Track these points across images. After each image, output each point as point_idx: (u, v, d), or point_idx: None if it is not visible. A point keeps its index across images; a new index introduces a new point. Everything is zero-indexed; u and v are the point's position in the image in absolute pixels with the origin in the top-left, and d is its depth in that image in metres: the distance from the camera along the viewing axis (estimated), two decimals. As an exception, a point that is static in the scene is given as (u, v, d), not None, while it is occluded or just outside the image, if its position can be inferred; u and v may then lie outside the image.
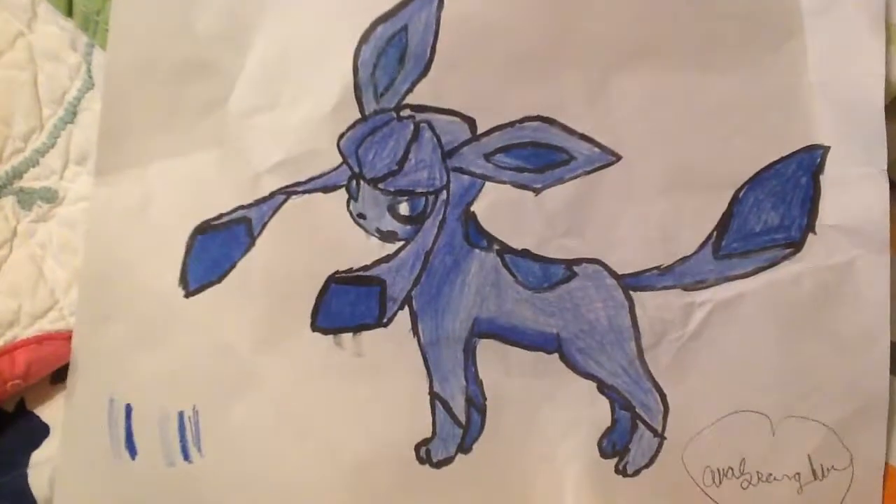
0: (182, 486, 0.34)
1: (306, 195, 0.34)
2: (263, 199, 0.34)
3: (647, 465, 0.34)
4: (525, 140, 0.34)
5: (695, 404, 0.34)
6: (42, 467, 0.35)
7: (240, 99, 0.34)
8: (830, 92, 0.34)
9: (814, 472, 0.34)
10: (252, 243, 0.34)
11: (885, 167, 0.33)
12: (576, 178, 0.34)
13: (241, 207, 0.34)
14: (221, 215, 0.34)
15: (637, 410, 0.34)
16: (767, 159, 0.34)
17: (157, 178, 0.35)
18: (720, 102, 0.34)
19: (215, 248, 0.34)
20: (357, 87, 0.33)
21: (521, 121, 0.34)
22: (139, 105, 0.35)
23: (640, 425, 0.34)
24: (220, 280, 0.34)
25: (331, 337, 0.34)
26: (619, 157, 0.34)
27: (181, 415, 0.34)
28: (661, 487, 0.34)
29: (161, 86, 0.35)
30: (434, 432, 0.34)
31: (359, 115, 0.34)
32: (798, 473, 0.34)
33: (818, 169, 0.34)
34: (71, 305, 0.35)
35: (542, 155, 0.34)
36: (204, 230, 0.34)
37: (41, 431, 0.36)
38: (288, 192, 0.34)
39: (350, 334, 0.34)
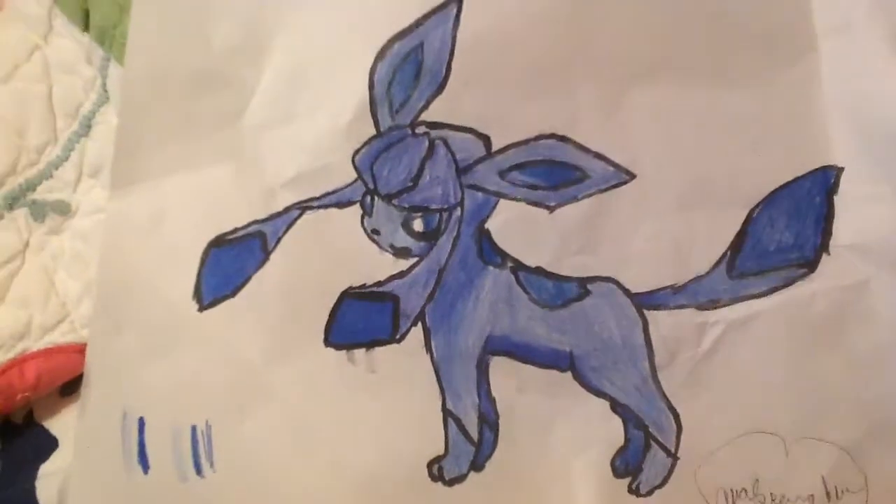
0: (194, 501, 0.34)
1: (321, 210, 0.34)
2: (278, 214, 0.34)
3: (660, 486, 0.34)
4: (539, 158, 0.34)
5: (708, 424, 0.34)
6: (50, 479, 0.35)
7: (255, 113, 0.35)
8: (845, 110, 0.34)
9: (828, 493, 0.34)
10: (266, 258, 0.34)
11: (901, 187, 0.33)
12: (590, 195, 0.34)
13: (256, 222, 0.34)
14: (236, 229, 0.34)
15: (650, 430, 0.34)
16: (782, 178, 0.34)
17: (172, 191, 0.35)
18: (734, 120, 0.34)
19: (230, 262, 0.34)
20: (373, 103, 0.34)
21: (536, 138, 0.34)
22: (155, 118, 0.35)
23: (654, 445, 0.34)
24: (234, 294, 0.34)
25: (343, 352, 0.34)
26: (633, 176, 0.34)
27: (194, 429, 0.34)
28: (674, 507, 0.34)
29: (177, 99, 0.35)
30: (447, 449, 0.34)
31: (374, 131, 0.34)
32: (812, 495, 0.34)
33: (832, 188, 0.34)
34: (82, 318, 0.35)
35: (556, 173, 0.34)
36: (218, 244, 0.34)
37: (50, 444, 0.36)
38: (303, 206, 0.34)
39: (363, 350, 0.34)
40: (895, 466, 0.33)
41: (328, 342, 0.34)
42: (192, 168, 0.35)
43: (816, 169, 0.34)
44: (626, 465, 0.34)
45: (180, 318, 0.34)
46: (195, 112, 0.35)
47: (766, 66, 0.34)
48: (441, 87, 0.33)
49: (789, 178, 0.34)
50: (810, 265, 0.34)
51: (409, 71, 0.33)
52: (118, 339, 0.35)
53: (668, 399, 0.34)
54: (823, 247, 0.34)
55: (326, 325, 0.34)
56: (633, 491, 0.34)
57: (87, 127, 0.37)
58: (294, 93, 0.34)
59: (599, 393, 0.34)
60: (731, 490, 0.34)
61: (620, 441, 0.34)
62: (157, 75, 0.35)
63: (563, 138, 0.34)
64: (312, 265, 0.34)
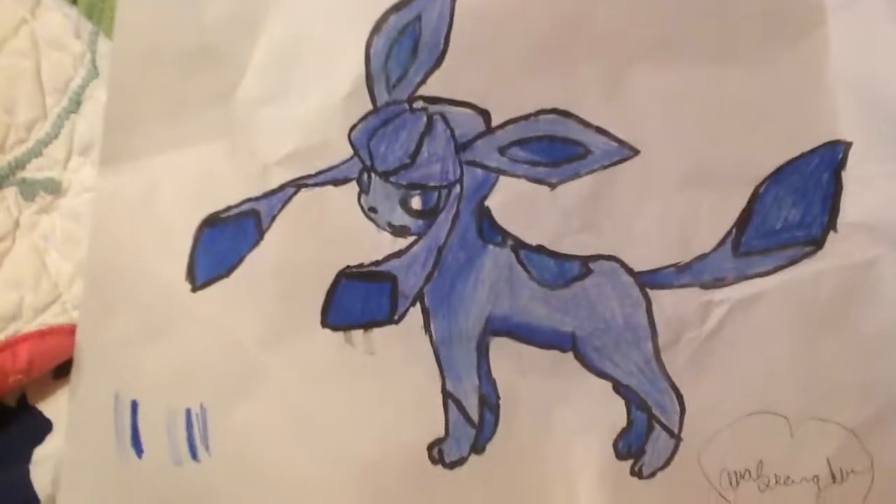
0: (190, 486, 0.34)
1: (316, 188, 0.33)
2: (273, 192, 0.34)
3: (662, 467, 0.34)
4: (540, 133, 0.33)
5: (712, 405, 0.34)
6: (45, 464, 0.35)
7: (249, 89, 0.34)
8: (853, 86, 0.33)
9: (833, 475, 0.33)
10: (261, 237, 0.34)
11: (910, 164, 0.33)
12: (592, 172, 0.33)
13: (250, 200, 0.34)
14: (230, 208, 0.34)
15: (653, 411, 0.34)
16: (788, 155, 0.33)
17: (163, 169, 0.34)
18: (741, 96, 0.33)
19: (223, 242, 0.34)
20: (369, 78, 0.33)
21: (537, 114, 0.33)
22: (146, 94, 0.34)
23: (657, 426, 0.34)
24: (228, 274, 0.34)
25: (341, 334, 0.34)
26: (636, 152, 0.33)
27: (188, 412, 0.34)
28: (676, 490, 0.34)
29: (168, 75, 0.34)
30: (447, 432, 0.34)
31: (370, 107, 0.33)
32: (816, 476, 0.33)
33: (840, 165, 0.33)
34: (74, 299, 0.35)
35: (557, 149, 0.33)
36: (212, 223, 0.34)
37: (44, 427, 0.35)
38: (298, 184, 0.33)
39: (360, 331, 0.34)
40: (902, 446, 0.33)
41: (325, 323, 0.34)
42: (184, 145, 0.34)
43: (824, 144, 0.33)
44: (629, 447, 0.34)
45: (173, 300, 0.34)
46: (187, 87, 0.34)
47: (773, 42, 0.33)
48: (439, 62, 0.33)
49: (796, 154, 0.33)
50: (817, 243, 0.33)
51: (407, 44, 0.33)
52: (109, 322, 0.34)
53: (671, 380, 0.34)
54: (831, 225, 0.33)
55: (323, 305, 0.34)
56: (636, 473, 0.34)
57: (76, 103, 0.36)
58: (288, 68, 0.34)
59: (602, 374, 0.34)
60: (735, 472, 0.34)
61: (623, 423, 0.34)
62: (147, 50, 0.34)
63: (564, 113, 0.33)
64: (308, 244, 0.34)
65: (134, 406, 0.34)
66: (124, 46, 0.34)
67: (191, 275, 0.34)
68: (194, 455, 0.34)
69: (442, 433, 0.34)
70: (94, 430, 0.34)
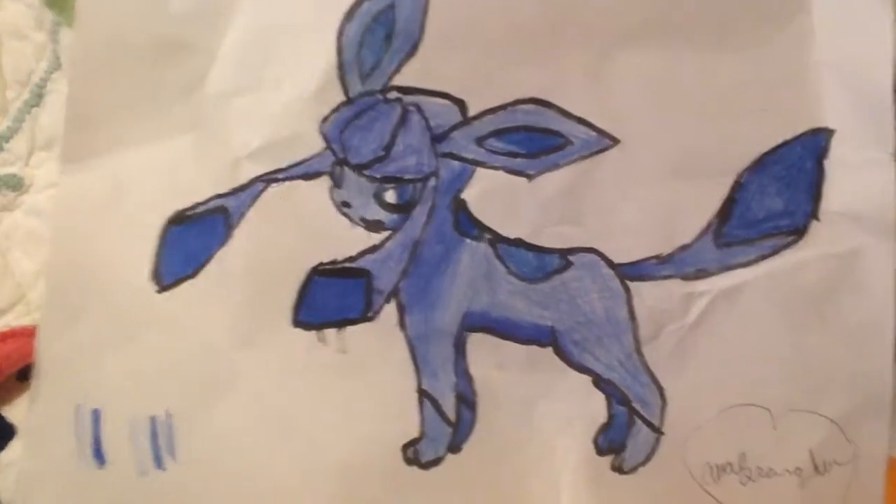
0: (155, 496, 0.33)
1: (288, 182, 0.33)
2: (242, 188, 0.33)
3: (644, 462, 0.33)
4: (518, 124, 0.32)
5: (694, 398, 0.33)
6: (9, 469, 0.34)
7: (217, 81, 0.33)
8: (837, 72, 0.33)
9: (816, 466, 0.33)
10: (230, 234, 0.33)
11: (893, 151, 0.32)
12: (572, 163, 0.33)
13: (218, 196, 0.33)
14: (197, 205, 0.33)
15: (634, 405, 0.33)
16: (772, 143, 0.33)
17: (128, 165, 0.33)
18: (723, 84, 0.33)
19: (191, 240, 0.33)
20: (341, 68, 0.32)
21: (515, 103, 0.32)
22: (109, 87, 0.33)
23: (638, 421, 0.33)
24: (195, 274, 0.33)
25: (314, 333, 0.33)
26: (616, 141, 0.33)
27: (153, 420, 0.33)
28: (658, 484, 0.33)
29: (132, 67, 0.33)
30: (422, 431, 0.33)
31: (343, 98, 0.32)
32: (799, 468, 0.33)
33: (823, 153, 0.33)
34: (38, 299, 0.34)
35: (536, 139, 0.32)
36: (178, 221, 0.33)
37: (7, 432, 0.34)
38: (268, 179, 0.33)
39: (334, 329, 0.33)
40: (884, 438, 0.33)
41: (297, 322, 0.33)
42: (149, 140, 0.33)
43: (807, 132, 0.33)
44: (610, 442, 0.33)
45: (138, 301, 0.33)
46: (151, 80, 0.33)
47: (757, 28, 0.33)
48: (414, 50, 0.32)
49: (779, 142, 0.33)
50: (800, 232, 0.33)
51: (380, 32, 0.32)
52: (71, 326, 0.33)
53: (652, 373, 0.33)
54: (814, 213, 0.33)
55: (295, 304, 0.33)
56: (617, 468, 0.33)
57: (38, 96, 0.35)
58: (257, 58, 0.33)
59: (582, 368, 0.33)
60: (718, 465, 0.33)
61: (604, 418, 0.34)
62: (110, 41, 0.33)
63: (543, 103, 0.32)
64: (279, 241, 0.33)
65: (96, 415, 0.33)
66: (85, 37, 0.33)
67: (157, 275, 0.33)
68: (160, 464, 0.33)
69: (417, 433, 0.33)
70: (54, 440, 0.33)
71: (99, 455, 0.33)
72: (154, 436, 0.33)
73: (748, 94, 0.33)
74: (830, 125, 0.33)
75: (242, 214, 0.33)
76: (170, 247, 0.33)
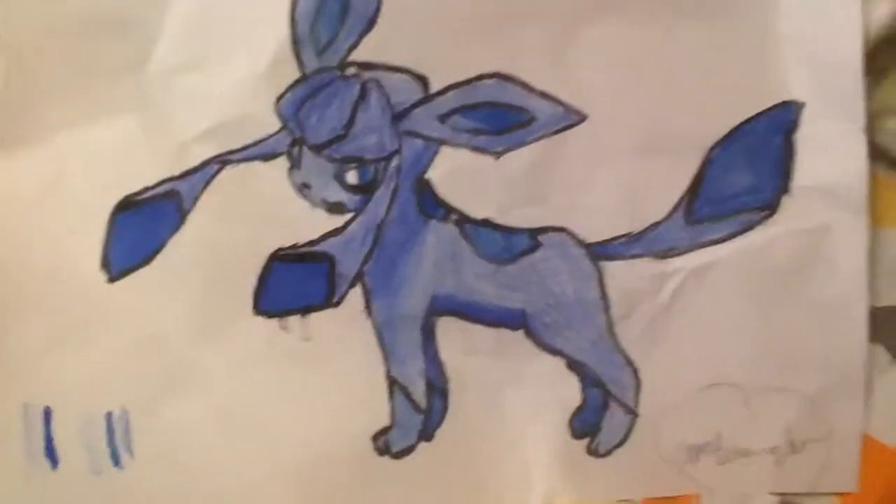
0: (111, 495, 0.32)
1: (243, 164, 0.31)
2: (194, 170, 0.31)
3: (619, 444, 0.33)
4: (482, 99, 0.32)
5: (668, 378, 0.33)
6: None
7: (161, 58, 0.32)
8: (804, 44, 0.32)
9: (791, 444, 0.33)
10: (182, 220, 0.31)
11: (864, 125, 0.32)
12: (538, 140, 0.32)
13: (169, 180, 0.31)
14: (146, 189, 0.31)
15: (608, 387, 0.33)
16: (740, 117, 0.32)
17: (69, 149, 0.32)
18: (690, 57, 0.32)
19: (140, 227, 0.31)
20: (295, 43, 0.31)
21: (478, 78, 0.31)
22: (44, 67, 0.31)
23: (612, 402, 0.33)
24: (147, 263, 0.32)
25: (275, 320, 0.32)
26: (584, 117, 0.32)
27: (109, 416, 0.32)
28: (635, 466, 0.33)
29: (69, 44, 0.31)
30: (393, 420, 0.32)
31: (298, 74, 0.31)
32: (775, 447, 0.33)
33: (792, 127, 0.32)
34: (-18, 296, 0.32)
35: (501, 115, 0.32)
36: (126, 207, 0.31)
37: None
38: (222, 160, 0.31)
39: (297, 317, 0.32)
40: (858, 414, 0.33)
41: (258, 310, 0.32)
42: (91, 122, 0.32)
43: (775, 106, 0.32)
44: (584, 425, 0.33)
45: (87, 294, 0.32)
46: (90, 59, 0.31)
47: (720, 0, 0.32)
48: (371, 23, 0.31)
49: (748, 116, 0.32)
50: (770, 208, 0.32)
51: (335, 4, 0.31)
52: (16, 325, 0.32)
53: (625, 354, 0.33)
54: (784, 188, 0.32)
55: (255, 291, 0.32)
56: (592, 452, 0.33)
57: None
58: (204, 33, 0.31)
59: (554, 351, 0.33)
60: (694, 445, 0.33)
61: (577, 401, 0.33)
62: (43, 17, 0.31)
63: (507, 77, 0.32)
64: (236, 226, 0.32)
65: (47, 414, 0.32)
66: (16, 12, 0.31)
67: (105, 266, 0.32)
68: (116, 461, 0.32)
69: (388, 422, 0.32)
70: (2, 442, 0.31)
71: (51, 455, 0.32)
72: (110, 433, 0.32)
73: (714, 67, 0.32)
74: (799, 98, 0.32)
75: (196, 198, 0.31)
76: (119, 234, 0.32)
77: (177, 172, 0.31)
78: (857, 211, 0.32)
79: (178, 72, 0.32)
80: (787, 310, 0.33)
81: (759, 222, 0.32)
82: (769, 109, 0.32)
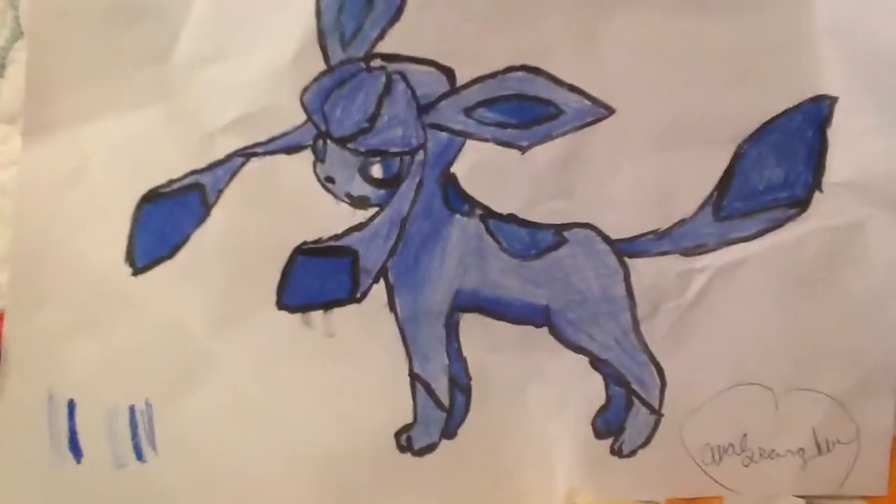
0: (135, 489, 0.32)
1: (267, 157, 0.31)
2: (219, 163, 0.31)
3: (643, 445, 0.32)
4: (509, 92, 0.31)
5: (694, 378, 0.32)
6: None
7: (187, 48, 0.31)
8: (838, 37, 0.31)
9: (818, 446, 0.32)
10: (207, 213, 0.31)
11: (899, 118, 0.31)
12: (565, 134, 0.31)
13: (194, 172, 0.31)
14: (171, 181, 0.31)
15: (632, 386, 0.32)
16: (771, 111, 0.32)
17: (94, 139, 0.32)
18: (720, 48, 0.31)
19: (165, 219, 0.31)
20: (321, 34, 0.31)
21: (504, 71, 0.31)
22: (71, 55, 0.31)
23: (636, 402, 0.32)
24: (171, 255, 0.31)
25: (298, 315, 0.32)
26: (611, 111, 0.31)
27: (132, 409, 0.31)
28: (658, 467, 0.33)
29: (95, 33, 0.31)
30: (415, 417, 0.32)
31: (324, 66, 0.31)
32: (802, 448, 0.32)
33: (825, 121, 0.32)
34: (5, 284, 0.32)
35: (527, 109, 0.31)
36: (152, 199, 0.31)
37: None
38: (246, 153, 0.31)
39: (320, 312, 0.32)
40: (888, 416, 0.32)
41: (281, 305, 0.32)
42: (116, 112, 0.31)
43: (808, 100, 0.32)
44: (608, 424, 0.32)
45: (111, 286, 0.31)
46: (116, 47, 0.31)
47: None
48: (398, 14, 0.31)
49: (780, 111, 0.32)
50: (802, 205, 0.32)
51: None
52: (40, 311, 0.32)
53: (651, 353, 0.32)
54: (816, 184, 0.32)
55: (278, 285, 0.32)
56: (616, 452, 0.33)
57: (0, 66, 0.33)
58: (230, 24, 0.31)
59: (578, 348, 0.32)
60: (718, 446, 0.32)
61: (601, 399, 0.33)
62: (70, 6, 0.31)
63: (534, 70, 0.31)
64: (260, 219, 0.31)
65: (71, 406, 0.31)
66: (41, 2, 0.31)
67: (130, 257, 0.32)
68: (140, 456, 0.32)
69: (410, 419, 0.32)
70: (26, 434, 0.31)
71: (75, 449, 0.32)
72: (134, 425, 0.32)
73: (745, 59, 0.32)
74: (833, 92, 0.31)
75: (220, 191, 0.31)
76: (143, 226, 0.31)
77: (202, 164, 0.31)
78: (891, 207, 0.32)
79: (202, 62, 0.31)
80: (816, 308, 0.32)
81: (789, 219, 0.32)
82: (802, 103, 0.32)
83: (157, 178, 0.31)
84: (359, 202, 0.31)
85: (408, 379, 0.32)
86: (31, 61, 0.32)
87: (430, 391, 0.32)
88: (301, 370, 0.32)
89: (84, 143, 0.32)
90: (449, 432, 0.32)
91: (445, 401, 0.32)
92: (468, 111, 0.31)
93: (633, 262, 0.32)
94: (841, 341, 0.32)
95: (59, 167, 0.32)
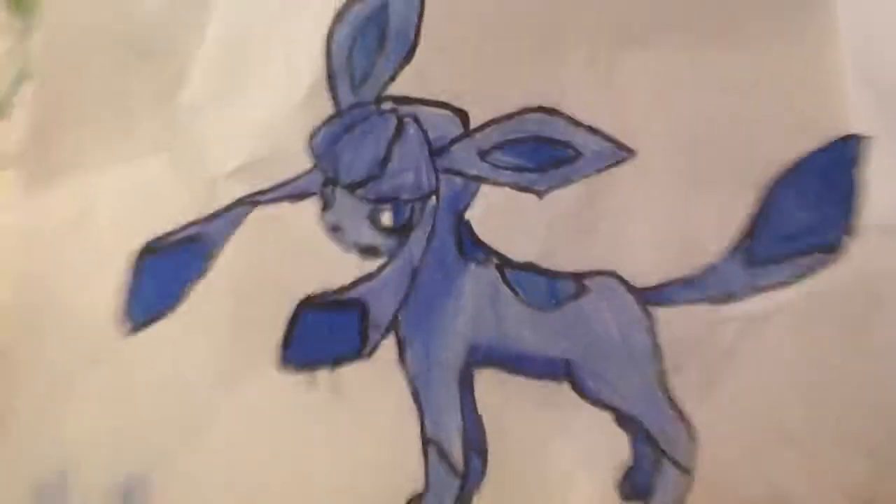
0: None
1: (272, 205, 0.31)
2: (221, 212, 0.31)
3: (674, 507, 0.31)
4: (525, 135, 0.30)
5: (726, 435, 0.30)
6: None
7: (192, 91, 0.31)
8: (868, 72, 0.30)
9: (857, 505, 0.31)
10: (208, 265, 0.31)
11: (936, 157, 0.30)
12: (584, 177, 0.30)
13: (195, 223, 0.31)
14: (171, 233, 0.31)
15: (660, 444, 0.31)
16: (800, 150, 0.30)
17: (97, 186, 0.31)
18: (744, 87, 0.30)
19: (166, 272, 0.31)
20: (330, 76, 0.30)
21: (520, 112, 0.30)
22: (75, 100, 0.31)
23: (664, 461, 0.31)
24: (171, 309, 0.31)
25: (303, 373, 0.31)
26: (632, 152, 0.30)
27: (129, 477, 0.30)
28: (689, 531, 0.31)
29: (100, 77, 0.31)
30: (427, 485, 0.31)
31: (332, 110, 0.30)
32: (842, 509, 0.31)
33: (856, 161, 0.30)
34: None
35: (545, 151, 0.30)
36: (151, 252, 0.31)
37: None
38: (251, 201, 0.31)
39: (326, 370, 0.31)
40: (933, 477, 0.31)
41: (285, 361, 0.31)
42: (119, 159, 0.31)
43: (840, 139, 0.30)
44: (635, 486, 0.31)
45: (106, 344, 0.31)
46: (122, 91, 0.31)
47: (777, 23, 0.30)
48: (409, 55, 0.30)
49: (809, 149, 0.30)
50: (836, 249, 0.30)
51: (373, 36, 0.30)
52: (31, 375, 0.31)
53: (679, 408, 0.31)
54: (851, 228, 0.30)
55: (282, 341, 0.31)
56: (645, 516, 0.31)
57: (6, 108, 0.33)
58: (237, 66, 0.31)
59: (601, 404, 0.31)
60: (752, 507, 0.31)
61: (626, 458, 0.31)
62: (76, 44, 0.31)
63: (551, 111, 0.30)
64: (263, 270, 0.31)
65: (63, 479, 0.30)
66: (49, 41, 0.31)
67: (128, 313, 0.31)
68: None
69: (421, 486, 0.31)
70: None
71: None
72: (130, 496, 0.30)
73: (771, 97, 0.30)
74: (863, 131, 0.30)
75: (223, 242, 0.31)
76: (143, 280, 0.31)
77: (206, 211, 0.31)
78: None
79: (209, 105, 0.31)
80: (855, 361, 0.30)
81: (823, 264, 0.30)
82: (833, 142, 0.30)
83: (159, 227, 0.31)
84: (368, 252, 0.31)
85: (419, 442, 0.31)
86: (37, 104, 0.31)
87: (443, 455, 0.31)
88: (305, 431, 0.31)
89: (87, 190, 0.31)
90: (464, 499, 0.31)
91: (459, 465, 0.31)
92: (483, 155, 0.30)
93: (658, 312, 0.31)
94: (881, 396, 0.30)
95: (60, 214, 0.31)
